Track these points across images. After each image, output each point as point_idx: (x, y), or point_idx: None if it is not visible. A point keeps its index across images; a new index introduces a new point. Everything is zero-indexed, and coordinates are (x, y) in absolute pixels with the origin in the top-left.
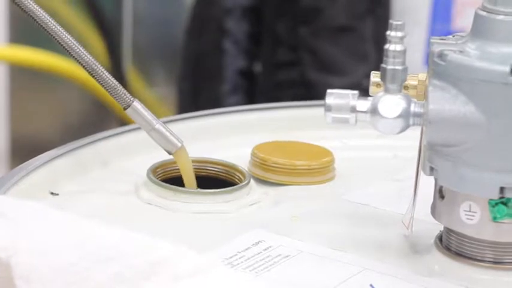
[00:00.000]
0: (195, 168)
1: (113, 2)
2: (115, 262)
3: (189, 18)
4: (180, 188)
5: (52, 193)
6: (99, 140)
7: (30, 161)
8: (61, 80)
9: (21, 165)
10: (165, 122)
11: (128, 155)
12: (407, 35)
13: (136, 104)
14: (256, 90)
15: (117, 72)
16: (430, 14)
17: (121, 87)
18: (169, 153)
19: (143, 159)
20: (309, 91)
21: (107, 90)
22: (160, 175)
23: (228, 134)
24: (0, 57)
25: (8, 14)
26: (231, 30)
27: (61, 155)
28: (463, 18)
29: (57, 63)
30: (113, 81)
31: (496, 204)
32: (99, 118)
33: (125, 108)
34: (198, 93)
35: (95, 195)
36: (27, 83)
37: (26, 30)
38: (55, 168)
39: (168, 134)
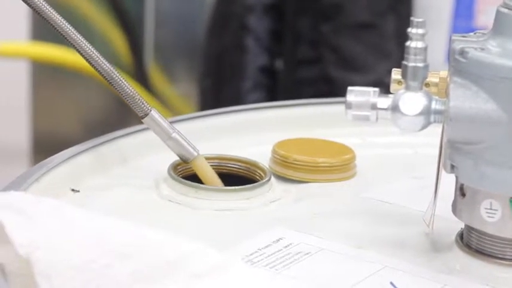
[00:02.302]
0: (215, 166)
1: None
2: (134, 260)
3: (210, 16)
4: (201, 185)
5: (73, 190)
6: (120, 137)
7: (50, 158)
8: (83, 77)
9: (41, 162)
10: (185, 119)
11: (148, 152)
12: (428, 32)
13: (154, 113)
14: (277, 88)
15: (139, 69)
16: (452, 11)
17: (139, 95)
18: (186, 162)
19: (164, 156)
20: (331, 88)
21: (125, 98)
22: (181, 172)
23: (249, 131)
24: (22, 53)
25: (31, 11)
26: (252, 27)
27: (81, 152)
28: (485, 16)
29: (78, 60)
30: (131, 89)
31: None
32: (120, 115)
33: (142, 117)
34: (219, 91)
35: (116, 192)
36: (49, 79)
37: (48, 27)
38: (75, 165)
39: (184, 143)
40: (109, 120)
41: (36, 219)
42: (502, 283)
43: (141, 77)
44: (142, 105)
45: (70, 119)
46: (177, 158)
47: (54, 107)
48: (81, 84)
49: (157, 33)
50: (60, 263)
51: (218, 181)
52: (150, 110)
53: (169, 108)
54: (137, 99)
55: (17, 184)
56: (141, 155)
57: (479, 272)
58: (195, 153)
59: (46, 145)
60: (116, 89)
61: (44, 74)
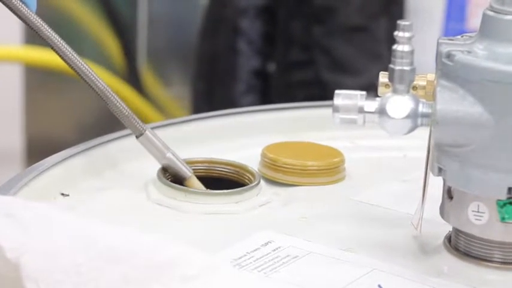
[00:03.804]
0: (204, 169)
1: (128, 2)
2: (123, 263)
3: (203, 19)
4: (190, 189)
5: (63, 194)
6: (110, 141)
7: (40, 162)
8: (76, 81)
9: (31, 167)
10: (176, 123)
11: (138, 155)
12: (415, 35)
13: (149, 133)
14: (270, 90)
15: (132, 72)
16: (444, 13)
17: (134, 115)
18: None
19: (153, 160)
20: (323, 91)
21: (120, 118)
22: (171, 176)
23: (238, 135)
24: (15, 57)
25: None
26: (245, 30)
27: (71, 156)
28: (477, 18)
29: None
30: (126, 109)
31: (504, 204)
32: (113, 118)
33: (137, 137)
34: (212, 94)
35: (105, 195)
36: (42, 83)
37: None
38: (65, 169)
39: (178, 163)
40: (102, 123)
41: (25, 223)
42: (489, 285)
43: (134, 79)
44: (137, 125)
45: (63, 123)
46: None
47: (47, 111)
48: (74, 87)
49: (150, 36)
50: (49, 266)
51: None
52: (145, 130)
53: (162, 111)
54: (132, 119)
55: (7, 188)
56: (130, 158)
57: (467, 274)
58: (189, 174)
59: (40, 149)
60: (111, 108)
61: (37, 78)
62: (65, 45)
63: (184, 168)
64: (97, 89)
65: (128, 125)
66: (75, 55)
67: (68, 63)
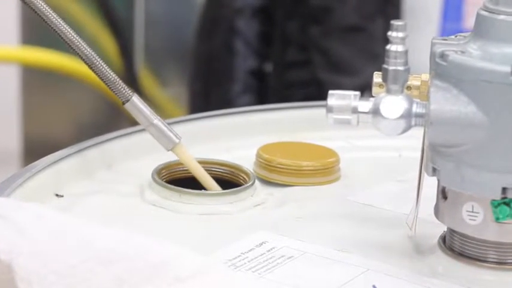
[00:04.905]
0: None
1: (125, 2)
2: (116, 264)
3: (199, 19)
4: (185, 190)
5: (57, 195)
6: (105, 141)
7: (35, 162)
8: (73, 81)
9: (26, 167)
10: (173, 123)
11: (133, 156)
12: (409, 35)
13: (135, 99)
14: (267, 91)
15: (129, 72)
16: (441, 13)
17: (120, 81)
18: (167, 150)
19: (148, 161)
20: (320, 91)
21: (106, 84)
22: (165, 176)
23: (233, 135)
24: (12, 58)
25: (20, 16)
26: (241, 30)
27: (66, 156)
28: (474, 18)
29: (68, 64)
30: (112, 75)
31: (499, 204)
32: (111, 118)
33: (123, 103)
34: (209, 94)
35: (100, 196)
36: (39, 84)
37: (38, 32)
38: (60, 169)
39: (166, 129)
40: (100, 123)
41: (18, 225)
42: (484, 285)
43: (131, 80)
44: (124, 91)
45: (61, 123)
46: (161, 163)
47: (45, 111)
48: (71, 88)
49: (147, 36)
50: (42, 268)
51: (199, 168)
52: (132, 96)
53: (159, 111)
54: (118, 85)
55: (1, 189)
56: (125, 159)
57: (462, 274)
58: (177, 140)
59: (38, 149)
60: (98, 74)
61: (34, 78)
62: (49, 10)
63: (172, 135)
64: (83, 55)
65: (114, 90)
66: (59, 20)
67: (52, 28)
